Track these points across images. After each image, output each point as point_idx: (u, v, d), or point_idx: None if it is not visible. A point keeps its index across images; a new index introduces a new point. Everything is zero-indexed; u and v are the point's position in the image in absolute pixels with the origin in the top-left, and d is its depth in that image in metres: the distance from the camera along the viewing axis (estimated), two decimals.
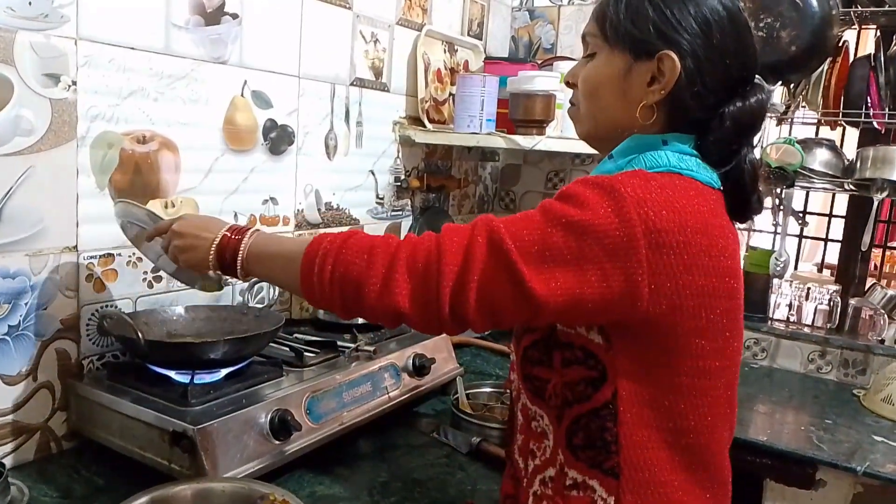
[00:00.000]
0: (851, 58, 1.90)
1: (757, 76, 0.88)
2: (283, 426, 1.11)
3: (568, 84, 0.97)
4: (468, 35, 2.13)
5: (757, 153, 1.81)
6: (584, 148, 1.93)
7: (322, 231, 1.64)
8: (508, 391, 1.15)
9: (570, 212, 0.76)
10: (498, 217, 0.80)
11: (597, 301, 0.76)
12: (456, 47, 2.06)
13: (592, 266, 0.75)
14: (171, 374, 1.16)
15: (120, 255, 1.24)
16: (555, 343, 0.85)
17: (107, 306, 1.23)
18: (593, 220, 0.75)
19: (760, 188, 0.90)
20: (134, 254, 1.26)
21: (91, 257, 1.20)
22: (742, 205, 0.88)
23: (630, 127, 0.88)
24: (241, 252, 0.95)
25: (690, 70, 0.83)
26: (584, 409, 0.83)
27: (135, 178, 1.24)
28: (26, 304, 1.11)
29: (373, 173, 1.83)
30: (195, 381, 1.12)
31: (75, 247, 1.17)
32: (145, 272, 1.29)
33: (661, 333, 0.79)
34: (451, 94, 2.02)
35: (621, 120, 0.88)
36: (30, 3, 1.05)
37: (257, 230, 0.98)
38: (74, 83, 1.13)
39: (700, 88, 0.84)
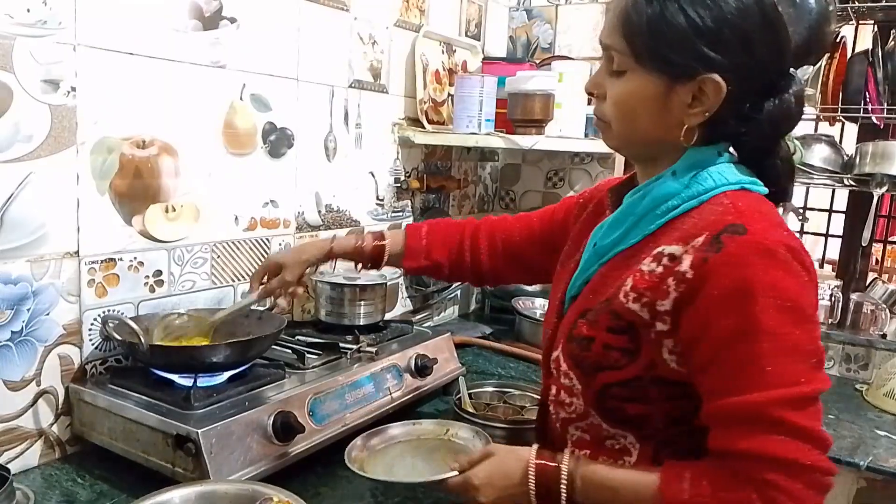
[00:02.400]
0: (849, 53, 1.90)
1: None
2: (285, 428, 1.11)
3: (590, 94, 0.92)
4: (466, 35, 2.13)
5: None
6: (583, 147, 1.95)
7: (322, 234, 1.65)
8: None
9: (813, 329, 0.83)
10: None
11: None
12: (454, 48, 2.07)
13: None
14: (174, 377, 1.16)
15: (121, 259, 1.24)
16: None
17: (109, 311, 1.23)
18: (813, 308, 0.84)
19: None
20: (135, 258, 1.26)
21: (92, 262, 1.20)
22: (782, 195, 0.91)
23: (666, 141, 0.86)
24: (563, 480, 0.88)
25: (734, 89, 0.80)
26: (614, 379, 0.86)
27: (135, 182, 1.25)
28: (28, 309, 1.12)
29: (372, 175, 1.83)
30: (198, 385, 1.13)
31: (76, 252, 1.17)
32: (147, 276, 1.29)
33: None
34: (449, 94, 2.02)
35: (658, 137, 0.86)
36: (28, 10, 1.06)
37: (578, 458, 0.90)
38: (74, 89, 1.13)
39: (745, 104, 0.83)
